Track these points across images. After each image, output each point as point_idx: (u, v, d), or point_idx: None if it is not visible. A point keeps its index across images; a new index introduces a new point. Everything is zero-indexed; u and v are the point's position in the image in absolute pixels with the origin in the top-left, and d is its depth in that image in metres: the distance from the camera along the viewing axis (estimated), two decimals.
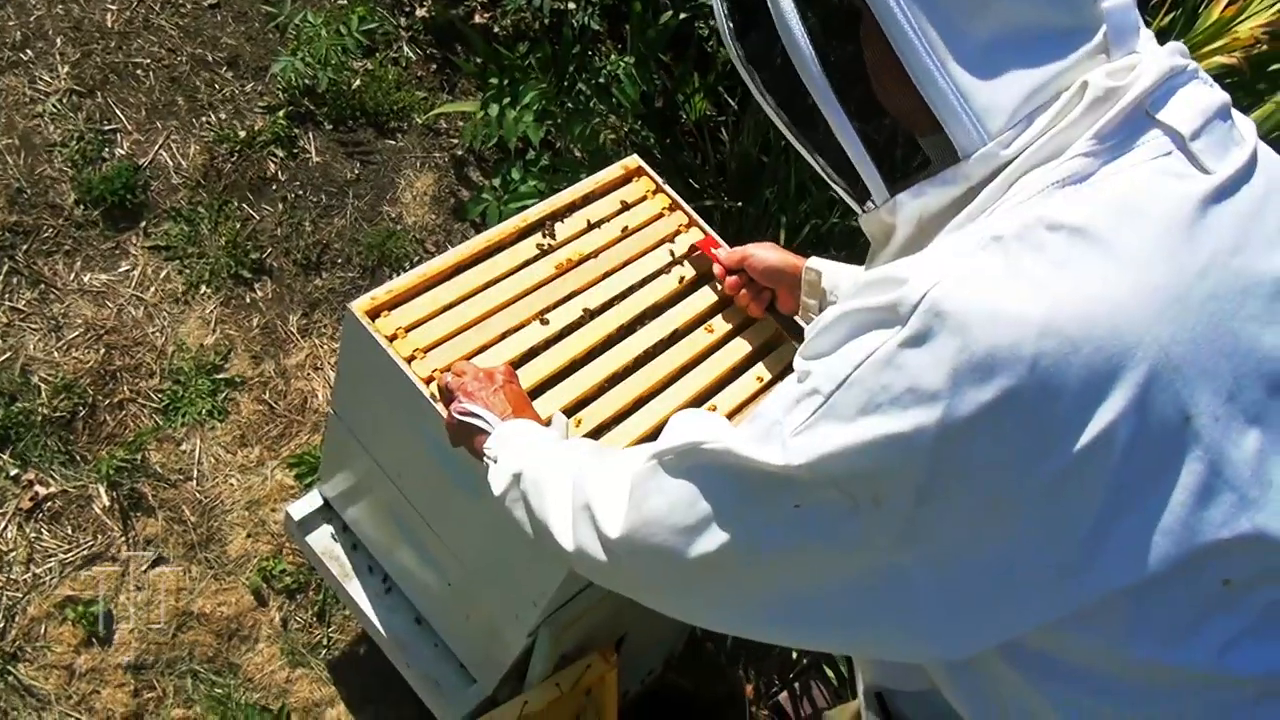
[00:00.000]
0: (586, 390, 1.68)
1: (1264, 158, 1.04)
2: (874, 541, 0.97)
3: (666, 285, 1.82)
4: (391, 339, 1.62)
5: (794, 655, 2.47)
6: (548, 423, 1.50)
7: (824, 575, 1.03)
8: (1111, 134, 0.97)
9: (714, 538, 1.07)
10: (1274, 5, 2.29)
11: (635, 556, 1.17)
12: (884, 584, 0.99)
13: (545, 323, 1.70)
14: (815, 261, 1.67)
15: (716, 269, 1.81)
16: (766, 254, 1.74)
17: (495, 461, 1.40)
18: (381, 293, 1.66)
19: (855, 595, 1.01)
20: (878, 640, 1.05)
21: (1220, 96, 1.03)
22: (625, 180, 1.92)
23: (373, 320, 1.63)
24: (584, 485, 1.25)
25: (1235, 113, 1.05)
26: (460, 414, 1.47)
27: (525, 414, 1.49)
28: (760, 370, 1.78)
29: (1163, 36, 2.43)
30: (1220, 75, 2.28)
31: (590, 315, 1.73)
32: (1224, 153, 0.99)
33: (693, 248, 1.85)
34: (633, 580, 1.22)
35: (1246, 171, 0.99)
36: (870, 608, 1.01)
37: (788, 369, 1.79)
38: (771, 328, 1.82)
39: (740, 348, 1.79)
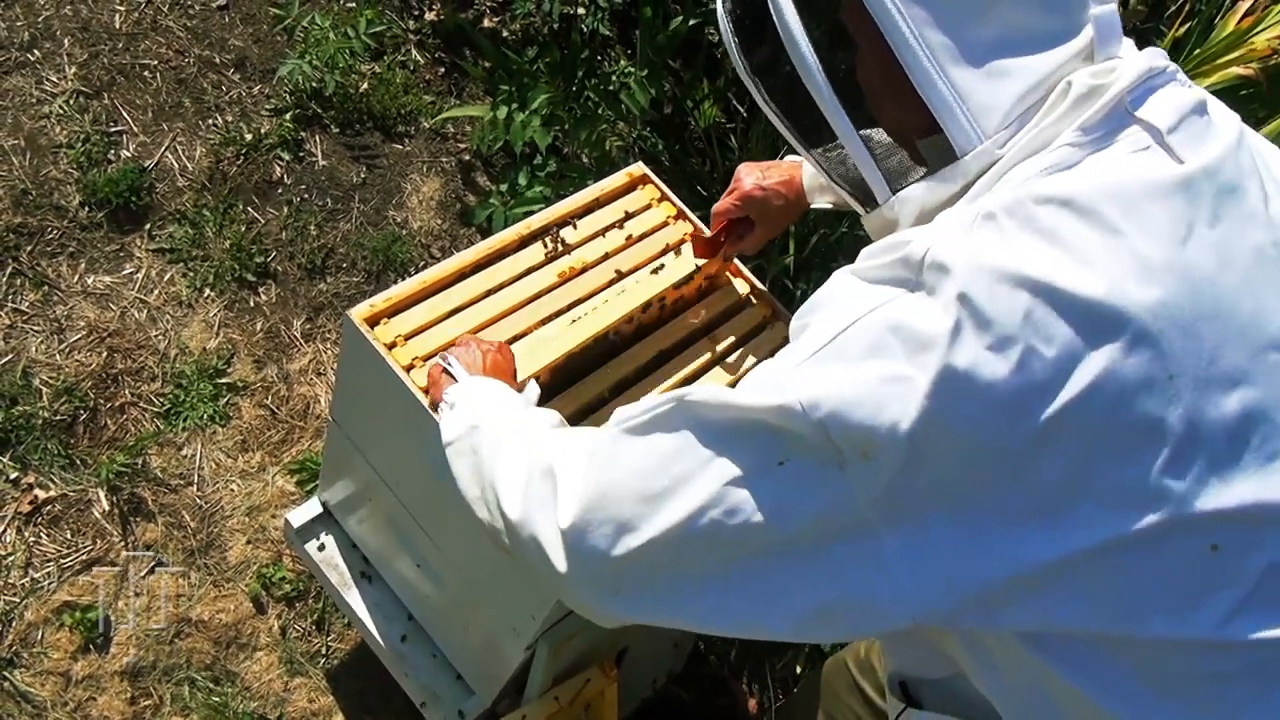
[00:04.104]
0: (588, 399, 1.66)
1: (1249, 146, 1.09)
2: (854, 501, 0.98)
3: (670, 294, 1.79)
4: (390, 347, 1.60)
5: (797, 669, 2.44)
6: (522, 390, 1.47)
7: (794, 539, 1.01)
8: (1094, 127, 1.02)
9: (684, 503, 1.04)
10: None
11: (589, 535, 1.10)
12: (853, 545, 1.00)
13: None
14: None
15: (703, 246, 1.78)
16: (746, 177, 1.72)
17: (451, 408, 1.37)
18: (380, 300, 1.63)
19: (822, 559, 1.01)
20: (839, 605, 1.03)
21: (1197, 95, 1.08)
22: (630, 188, 1.89)
23: (372, 328, 1.61)
24: (543, 453, 1.19)
25: (1216, 108, 1.11)
26: (439, 365, 1.47)
27: (505, 379, 1.46)
28: None
29: (1178, 47, 2.40)
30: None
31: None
32: (1199, 145, 1.04)
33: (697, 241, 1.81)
34: (580, 570, 1.12)
35: (1224, 159, 1.04)
36: (837, 570, 1.01)
37: None
38: (777, 338, 1.80)
39: (744, 359, 1.76)
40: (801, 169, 1.68)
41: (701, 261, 1.78)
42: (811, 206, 1.68)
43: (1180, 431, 0.96)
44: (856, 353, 0.98)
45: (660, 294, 1.75)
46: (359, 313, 1.61)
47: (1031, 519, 0.97)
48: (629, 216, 1.85)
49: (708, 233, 1.78)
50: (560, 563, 1.12)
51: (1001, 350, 0.94)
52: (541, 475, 1.16)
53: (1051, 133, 1.04)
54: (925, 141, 1.15)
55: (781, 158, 1.80)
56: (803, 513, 1.00)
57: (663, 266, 1.78)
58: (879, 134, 1.25)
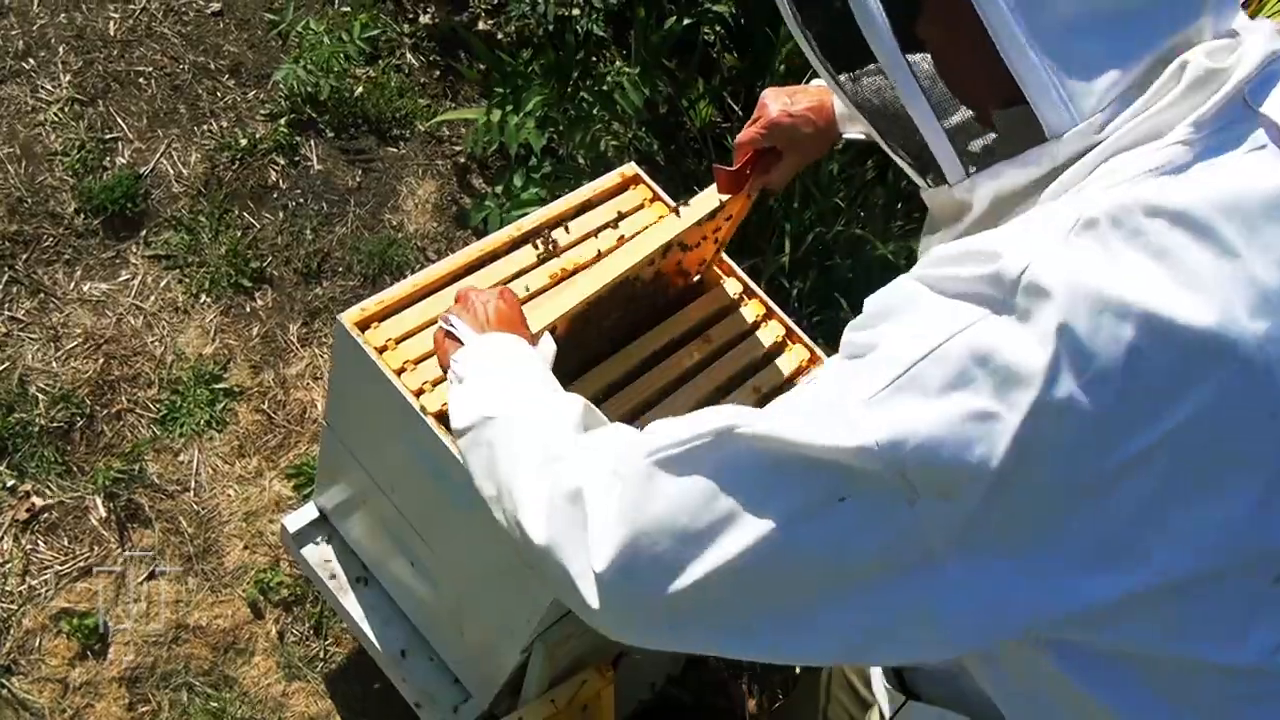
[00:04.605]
0: None
1: None
2: (921, 536, 0.90)
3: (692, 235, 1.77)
4: (382, 351, 1.60)
5: (796, 670, 2.44)
6: (536, 342, 1.36)
7: (850, 573, 0.93)
8: (1209, 122, 0.93)
9: (732, 543, 0.95)
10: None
11: (626, 579, 1.01)
12: (912, 578, 0.92)
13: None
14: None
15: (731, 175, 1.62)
16: (771, 103, 1.57)
17: (460, 382, 1.26)
18: (372, 304, 1.63)
19: (878, 592, 0.93)
20: (887, 634, 0.97)
21: None
22: (622, 188, 1.89)
23: (363, 331, 1.61)
24: (567, 471, 1.08)
25: None
26: (443, 325, 1.35)
27: (514, 331, 1.34)
28: (758, 381, 1.75)
29: None
30: None
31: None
32: None
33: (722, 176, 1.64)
34: (616, 609, 1.03)
35: None
36: (892, 603, 0.94)
37: (787, 382, 1.76)
38: (771, 337, 1.79)
39: (738, 359, 1.76)
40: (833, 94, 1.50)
41: (726, 197, 1.63)
42: (844, 136, 1.56)
43: (1275, 470, 0.90)
44: (937, 385, 0.88)
45: (681, 236, 1.64)
46: (350, 316, 1.61)
47: (1099, 556, 0.91)
48: (622, 217, 1.85)
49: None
50: (593, 600, 1.03)
51: (1101, 385, 0.86)
52: (567, 499, 1.06)
53: (1162, 122, 0.93)
54: (1002, 115, 1.05)
55: (808, 81, 1.74)
56: (862, 549, 0.92)
57: (686, 204, 1.65)
58: (951, 105, 1.13)
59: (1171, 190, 0.90)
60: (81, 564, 2.34)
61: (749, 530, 0.94)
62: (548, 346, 1.37)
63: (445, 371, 1.34)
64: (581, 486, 1.05)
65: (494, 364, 1.27)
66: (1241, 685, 0.98)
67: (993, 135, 1.10)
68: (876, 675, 1.39)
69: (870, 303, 0.99)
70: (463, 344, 1.31)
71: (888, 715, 1.33)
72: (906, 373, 0.89)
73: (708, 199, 1.64)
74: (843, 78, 1.16)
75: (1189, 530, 0.90)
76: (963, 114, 1.13)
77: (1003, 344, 0.87)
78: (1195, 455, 0.88)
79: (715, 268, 1.85)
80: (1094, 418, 0.86)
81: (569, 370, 1.66)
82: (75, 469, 2.42)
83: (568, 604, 1.07)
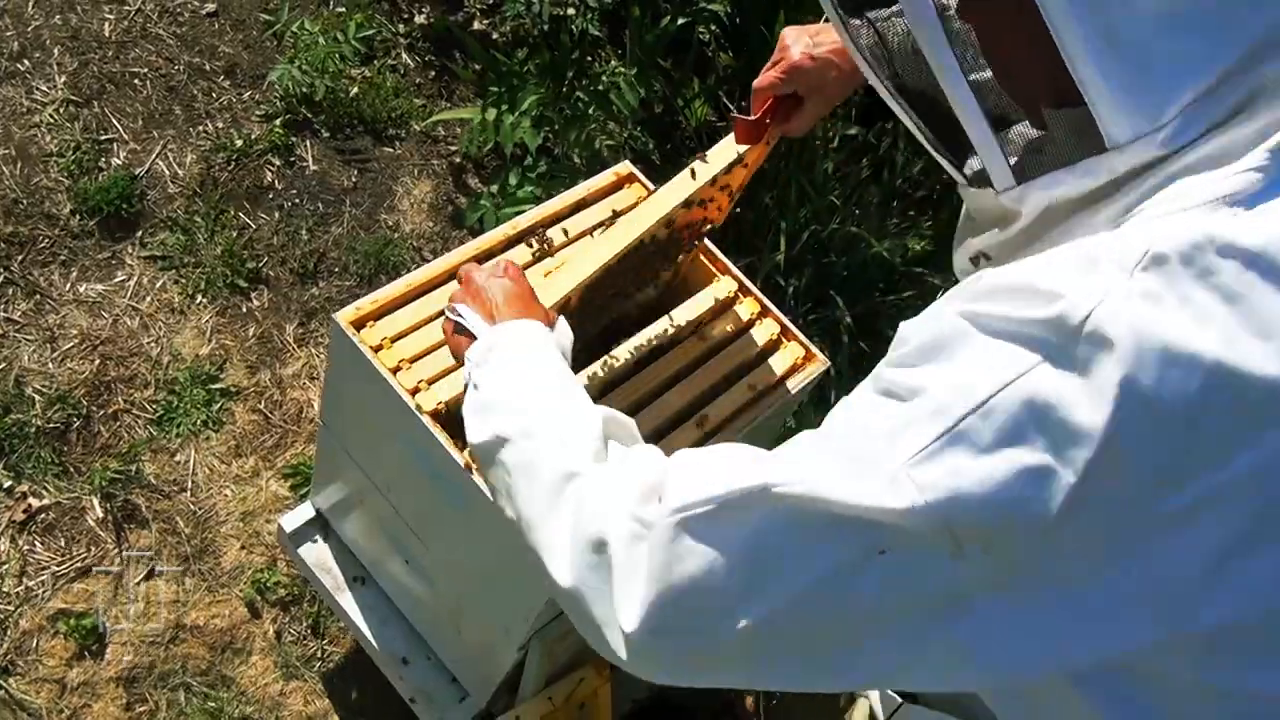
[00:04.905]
0: None
1: None
2: (963, 586, 0.86)
3: (660, 292, 1.79)
4: (377, 349, 1.60)
5: None
6: (553, 324, 1.28)
7: (888, 618, 0.90)
8: None
9: (767, 601, 0.91)
10: None
11: (655, 638, 0.97)
12: (951, 623, 0.89)
13: None
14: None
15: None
16: (793, 44, 1.44)
17: (475, 389, 1.20)
18: (367, 303, 1.63)
19: (916, 635, 0.90)
20: (921, 667, 0.94)
21: None
22: (617, 186, 1.89)
23: (358, 330, 1.61)
24: (589, 514, 1.03)
25: None
26: (451, 315, 1.28)
27: (527, 312, 1.26)
28: (753, 379, 1.75)
29: None
30: None
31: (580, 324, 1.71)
32: None
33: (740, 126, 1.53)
34: (646, 660, 0.99)
35: None
36: (929, 644, 0.90)
37: (781, 381, 1.76)
38: (766, 335, 1.79)
39: (733, 356, 1.76)
40: None
41: (744, 148, 1.53)
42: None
43: None
44: (989, 439, 0.83)
45: (699, 193, 1.56)
46: (345, 315, 1.61)
47: (1148, 603, 0.87)
48: (616, 215, 1.85)
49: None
50: (621, 652, 0.99)
51: (1162, 438, 0.81)
52: (590, 546, 1.01)
53: (1234, 142, 0.86)
54: (1055, 114, 0.95)
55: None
56: (901, 597, 0.89)
57: (703, 159, 1.55)
58: (1002, 106, 1.04)
59: (1246, 226, 0.83)
60: (78, 564, 2.34)
61: (784, 588, 0.91)
62: (565, 334, 1.29)
63: (458, 362, 1.28)
64: (605, 536, 1.00)
65: (509, 366, 1.20)
66: (1269, 712, 0.94)
67: (1044, 136, 0.99)
68: None
69: (911, 335, 0.92)
70: (474, 337, 1.24)
71: (881, 716, 1.32)
72: (955, 427, 0.84)
73: (725, 151, 1.56)
74: (871, 56, 1.05)
75: (1246, 579, 0.86)
76: (1012, 112, 1.04)
77: (1060, 397, 0.82)
78: (1255, 505, 0.84)
79: (710, 265, 1.85)
80: (1153, 470, 0.82)
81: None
82: (72, 470, 2.42)
83: (592, 645, 1.04)
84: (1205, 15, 0.84)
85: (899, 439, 0.86)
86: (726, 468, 0.97)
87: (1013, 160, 0.97)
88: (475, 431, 1.18)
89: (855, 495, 0.86)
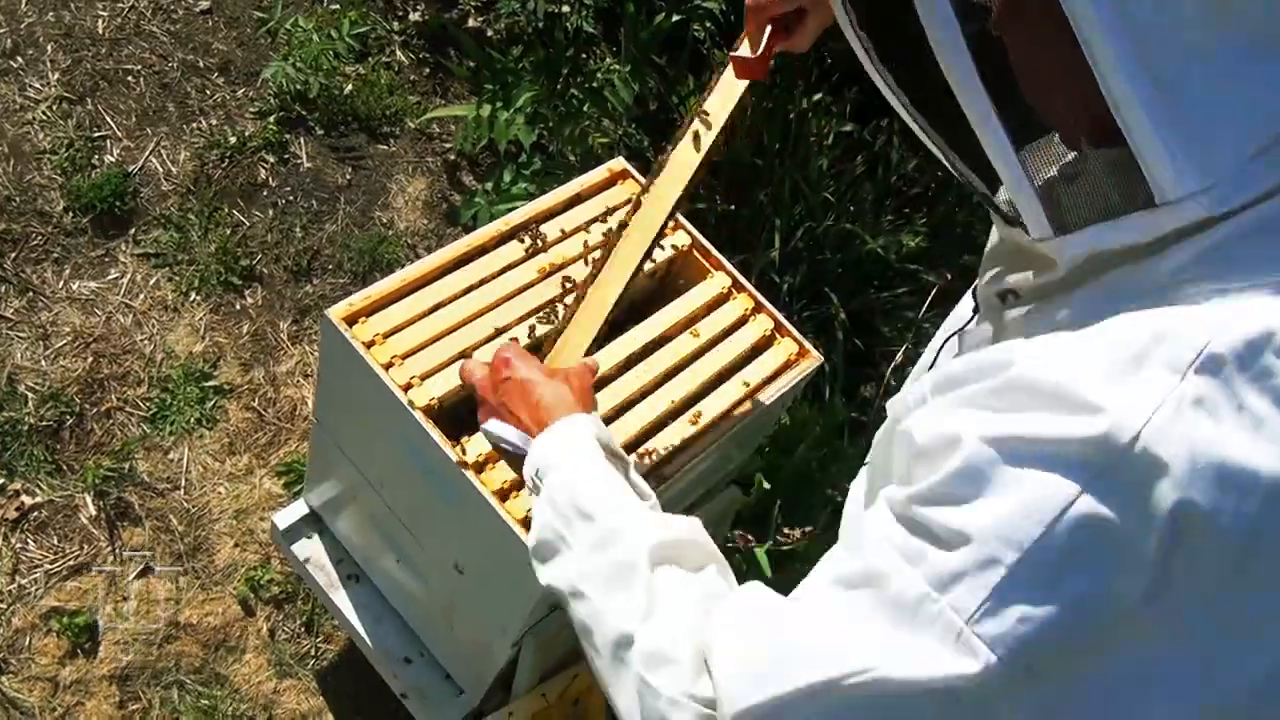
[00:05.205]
0: None
1: None
2: (1048, 701, 0.84)
3: (652, 288, 1.79)
4: (369, 345, 1.59)
5: None
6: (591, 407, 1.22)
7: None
8: None
9: None
10: None
11: None
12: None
13: (530, 328, 1.68)
14: None
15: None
16: None
17: (541, 529, 1.14)
18: (359, 298, 1.63)
19: None
20: None
21: None
22: (610, 183, 1.89)
23: (350, 326, 1.61)
24: (651, 701, 0.99)
25: None
26: (491, 441, 1.24)
27: (557, 407, 1.19)
28: (747, 375, 1.75)
29: None
30: None
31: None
32: None
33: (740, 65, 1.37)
34: None
35: None
36: None
37: (774, 377, 1.76)
38: (760, 331, 1.79)
39: (726, 352, 1.75)
40: None
41: (745, 83, 1.38)
42: None
43: None
44: (1045, 578, 0.79)
45: (714, 150, 1.40)
46: (337, 311, 1.61)
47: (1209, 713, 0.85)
48: (610, 212, 1.85)
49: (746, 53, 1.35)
50: None
51: (1221, 560, 0.78)
52: (655, 714, 0.99)
53: None
54: (1100, 152, 0.86)
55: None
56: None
57: (705, 121, 1.39)
58: (1040, 148, 0.94)
59: None
60: (71, 563, 2.33)
61: None
62: (601, 429, 1.21)
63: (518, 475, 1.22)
64: (666, 715, 0.97)
65: (556, 499, 1.13)
66: None
67: (1084, 175, 0.90)
68: None
69: (934, 450, 0.85)
70: (520, 453, 1.19)
71: None
72: (1010, 574, 0.80)
73: (725, 97, 1.38)
74: (892, 78, 0.94)
75: None
76: (1051, 149, 0.94)
77: (1113, 523, 0.77)
78: None
79: (704, 261, 1.85)
80: (1215, 585, 0.79)
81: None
82: (65, 467, 2.42)
83: None
84: (1272, 55, 0.76)
85: (952, 593, 0.81)
86: (778, 651, 0.91)
87: (1048, 207, 0.88)
88: (540, 575, 1.14)
89: (925, 669, 0.82)
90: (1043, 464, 0.79)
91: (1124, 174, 0.82)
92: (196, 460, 2.51)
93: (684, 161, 1.41)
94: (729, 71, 1.38)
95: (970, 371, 0.89)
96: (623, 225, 1.43)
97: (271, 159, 2.94)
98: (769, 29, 1.31)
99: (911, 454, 0.89)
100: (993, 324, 1.07)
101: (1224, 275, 0.80)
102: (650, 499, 1.17)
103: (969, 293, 1.31)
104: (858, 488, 1.40)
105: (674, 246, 1.83)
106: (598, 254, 1.66)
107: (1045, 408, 0.80)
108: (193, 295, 2.70)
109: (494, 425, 1.23)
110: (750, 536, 2.38)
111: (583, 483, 1.13)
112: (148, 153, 2.86)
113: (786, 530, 2.39)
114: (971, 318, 1.18)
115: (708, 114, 1.38)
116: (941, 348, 1.31)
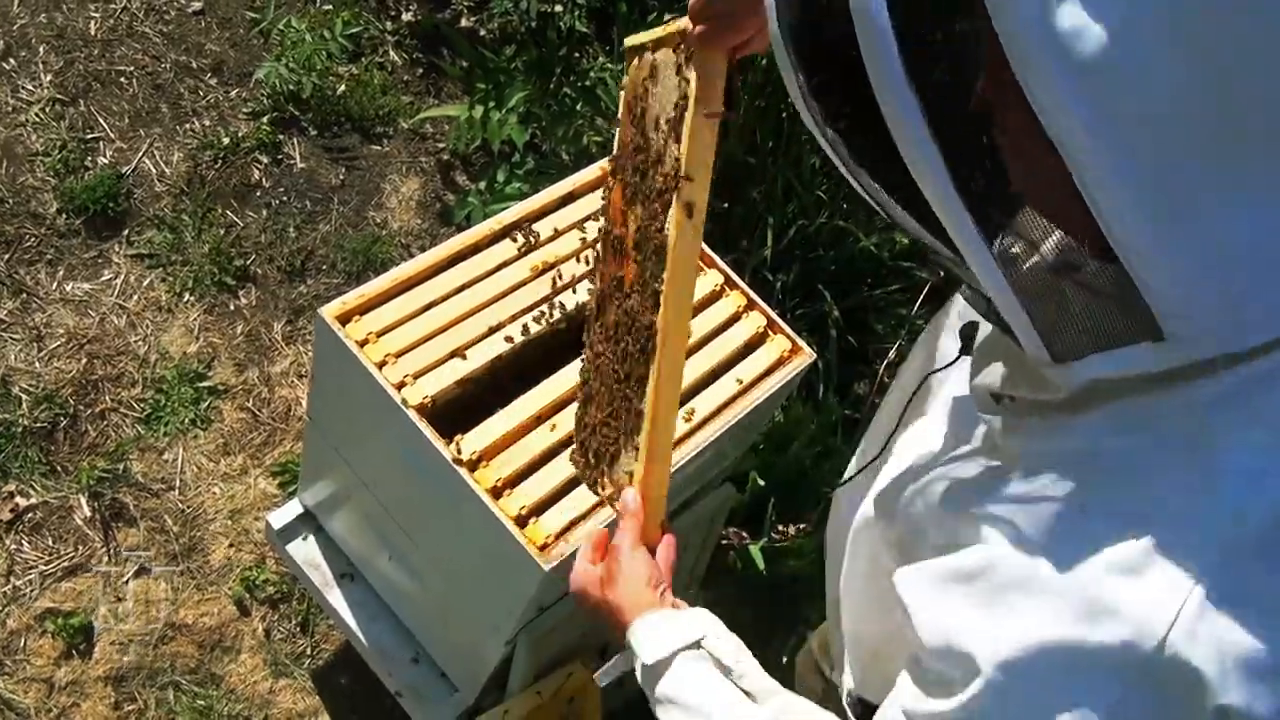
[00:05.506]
0: (565, 393, 1.65)
1: None
2: None
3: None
4: (363, 344, 1.60)
5: (784, 659, 2.44)
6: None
7: None
8: None
9: None
10: None
11: None
12: None
13: (523, 326, 1.68)
14: None
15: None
16: None
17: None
18: (353, 297, 1.63)
19: None
20: None
21: None
22: (603, 181, 1.89)
23: (344, 325, 1.61)
24: None
25: None
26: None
27: (640, 608, 1.14)
28: (740, 372, 1.75)
29: None
30: None
31: (568, 318, 1.71)
32: None
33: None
34: None
35: None
36: None
37: (767, 374, 1.76)
38: (753, 328, 1.80)
39: (719, 350, 1.76)
40: None
41: (715, 124, 1.16)
42: None
43: None
44: None
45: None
46: (331, 310, 1.61)
47: None
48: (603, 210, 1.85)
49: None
50: None
51: None
52: None
53: None
54: (1106, 267, 0.73)
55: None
56: None
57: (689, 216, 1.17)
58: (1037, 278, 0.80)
59: None
60: (66, 564, 2.33)
61: None
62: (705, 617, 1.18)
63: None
64: None
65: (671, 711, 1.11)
66: None
67: (1083, 288, 0.78)
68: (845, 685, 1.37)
69: (954, 693, 0.83)
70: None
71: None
72: None
73: (701, 144, 1.15)
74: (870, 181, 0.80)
75: None
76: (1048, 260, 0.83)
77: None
78: None
79: (699, 260, 1.85)
80: None
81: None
82: (59, 469, 2.42)
83: None
84: None
85: None
86: None
87: (1044, 327, 0.77)
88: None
89: None
90: (1069, 666, 0.76)
91: (1126, 294, 0.72)
92: (191, 461, 2.51)
93: (685, 257, 1.20)
94: (695, 120, 1.14)
95: (975, 564, 0.84)
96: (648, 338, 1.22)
97: (265, 159, 2.94)
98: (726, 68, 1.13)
99: (920, 650, 0.88)
100: (986, 411, 1.00)
101: (1248, 425, 0.74)
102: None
103: (950, 330, 1.20)
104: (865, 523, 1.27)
105: None
106: (590, 253, 1.65)
107: (1068, 612, 0.77)
108: (187, 296, 2.70)
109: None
110: (744, 534, 2.39)
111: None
112: (141, 154, 2.86)
113: (780, 527, 2.40)
114: (956, 358, 1.12)
115: (690, 179, 1.16)
116: (922, 383, 1.22)
